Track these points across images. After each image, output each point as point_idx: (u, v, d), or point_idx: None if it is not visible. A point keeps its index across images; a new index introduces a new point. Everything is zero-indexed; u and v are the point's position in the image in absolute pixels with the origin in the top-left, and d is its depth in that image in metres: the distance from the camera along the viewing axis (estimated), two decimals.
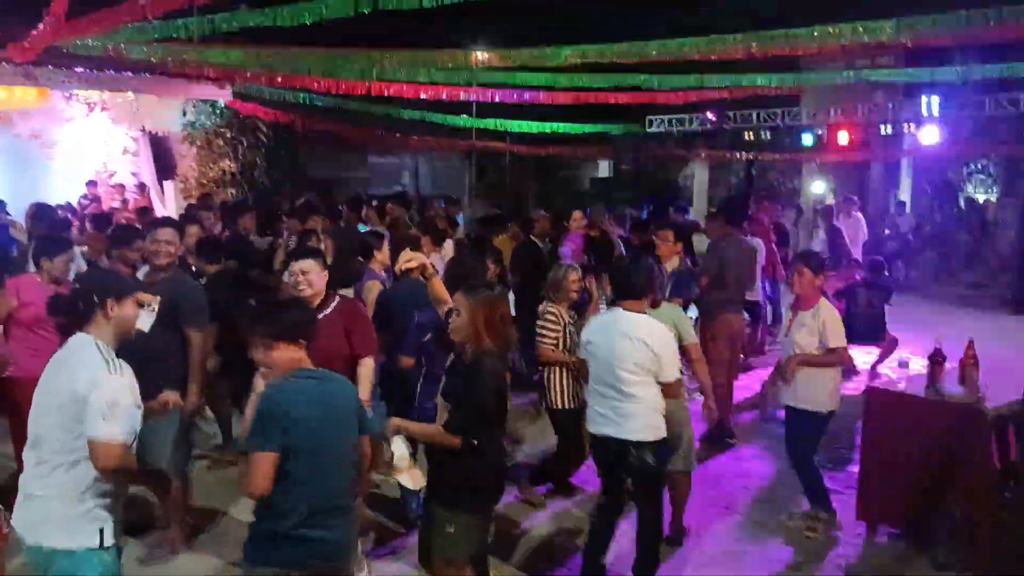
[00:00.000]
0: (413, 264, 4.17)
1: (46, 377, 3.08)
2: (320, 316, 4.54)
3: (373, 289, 5.78)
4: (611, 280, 4.72)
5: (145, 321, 4.66)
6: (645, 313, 4.40)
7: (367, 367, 4.64)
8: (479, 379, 3.52)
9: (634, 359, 4.19)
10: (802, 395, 5.18)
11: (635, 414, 4.22)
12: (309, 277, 4.52)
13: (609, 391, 4.28)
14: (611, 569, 4.57)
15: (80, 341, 3.08)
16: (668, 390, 4.28)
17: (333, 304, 4.65)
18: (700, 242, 8.99)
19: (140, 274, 5.11)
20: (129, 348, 4.10)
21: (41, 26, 8.96)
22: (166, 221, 5.57)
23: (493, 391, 3.53)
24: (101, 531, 3.05)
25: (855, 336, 8.25)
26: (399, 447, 3.70)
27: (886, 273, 9.93)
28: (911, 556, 4.99)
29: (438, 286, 4.09)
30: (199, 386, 4.76)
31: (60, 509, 2.98)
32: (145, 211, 11.37)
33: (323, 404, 3.11)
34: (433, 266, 4.27)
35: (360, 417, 3.33)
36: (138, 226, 7.33)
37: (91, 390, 2.91)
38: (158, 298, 4.24)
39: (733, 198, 8.65)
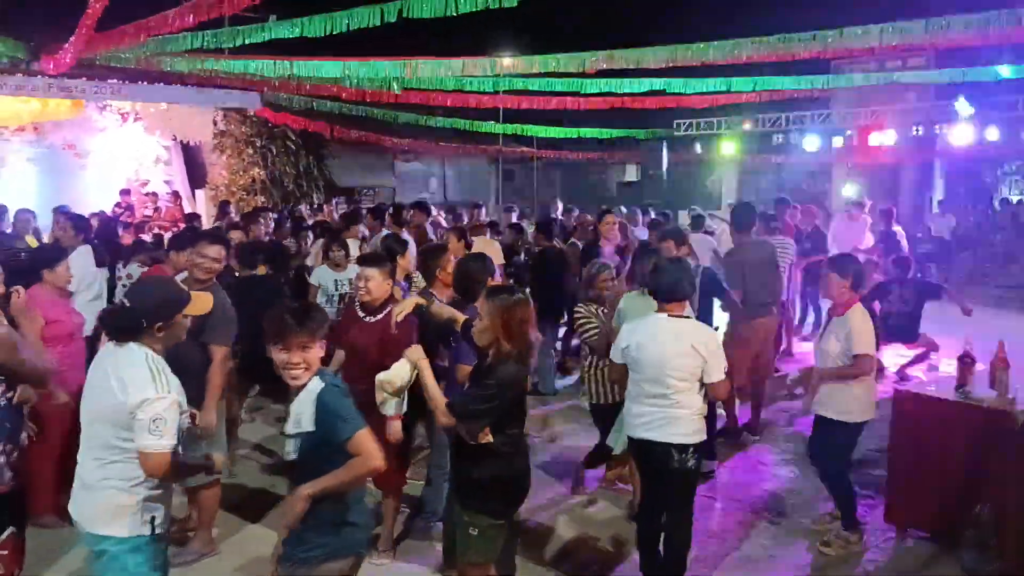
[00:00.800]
0: (408, 310, 4.32)
1: (96, 377, 3.15)
2: (365, 319, 4.81)
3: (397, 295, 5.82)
4: (653, 282, 4.62)
5: None
6: (689, 316, 4.40)
7: None
8: (492, 378, 3.54)
9: (686, 367, 4.18)
10: (831, 404, 5.05)
11: (681, 418, 4.22)
12: (370, 284, 4.76)
13: (654, 398, 4.26)
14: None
15: (131, 352, 3.14)
16: (714, 389, 4.28)
17: (384, 313, 4.76)
18: (700, 242, 8.94)
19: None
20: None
21: (73, 38, 9.16)
22: (216, 238, 5.47)
23: (506, 392, 3.52)
24: (152, 520, 3.17)
25: (888, 334, 8.22)
26: (400, 372, 3.75)
27: (919, 274, 9.86)
28: (939, 560, 4.93)
29: (438, 310, 4.22)
30: (215, 402, 4.69)
31: (114, 498, 3.11)
32: (193, 218, 11.49)
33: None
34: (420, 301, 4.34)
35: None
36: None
37: (139, 407, 3.00)
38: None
39: (741, 204, 8.57)
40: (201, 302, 3.48)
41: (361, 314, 4.89)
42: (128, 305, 3.24)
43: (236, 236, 7.39)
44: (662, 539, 4.46)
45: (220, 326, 4.71)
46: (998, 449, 4.68)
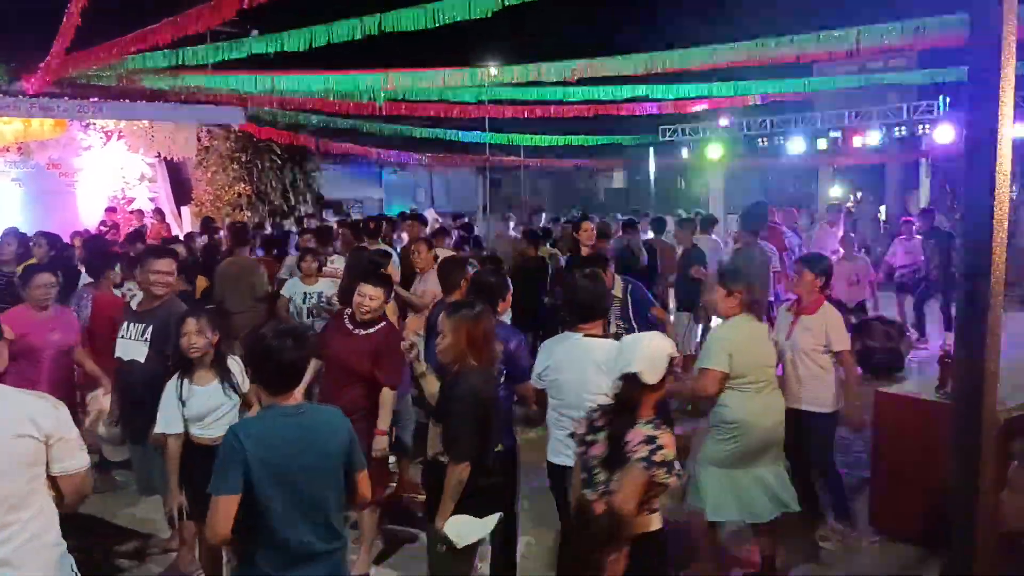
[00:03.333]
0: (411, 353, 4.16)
1: None
2: (355, 332, 4.81)
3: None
4: (567, 301, 4.34)
5: (140, 351, 4.77)
6: (602, 335, 4.08)
7: (386, 396, 4.74)
8: (458, 395, 3.53)
9: (602, 389, 3.59)
10: (810, 397, 5.04)
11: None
12: (372, 303, 4.76)
13: (572, 422, 3.81)
14: None
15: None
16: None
17: (376, 327, 4.81)
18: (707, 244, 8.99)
19: (133, 303, 5.12)
20: (127, 379, 4.11)
21: (48, 58, 9.16)
22: (164, 251, 5.49)
23: (473, 407, 3.51)
24: (72, 566, 2.92)
25: None
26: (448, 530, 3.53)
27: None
28: (924, 563, 4.93)
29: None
30: None
31: (43, 559, 2.79)
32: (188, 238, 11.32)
33: (296, 441, 2.88)
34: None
35: (350, 452, 3.02)
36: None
37: (56, 430, 2.73)
38: None
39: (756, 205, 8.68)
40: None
41: (350, 326, 4.89)
42: None
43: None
44: None
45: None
46: None
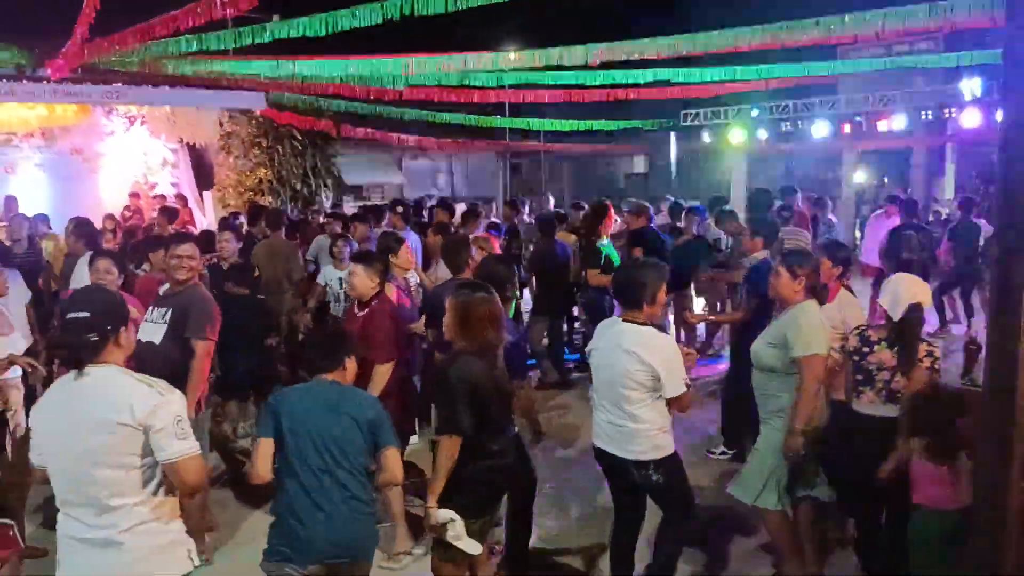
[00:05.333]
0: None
1: (64, 417, 2.80)
2: (358, 314, 5.07)
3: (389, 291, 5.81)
4: (613, 286, 4.49)
5: (156, 333, 4.80)
6: (646, 324, 4.08)
7: (376, 371, 4.86)
8: (445, 380, 3.57)
9: (636, 378, 3.94)
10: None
11: (635, 433, 4.00)
12: (354, 280, 5.09)
13: (610, 406, 4.08)
14: None
15: (106, 372, 2.83)
16: (675, 404, 4.02)
17: (367, 308, 5.05)
18: None
19: (161, 289, 5.17)
20: (140, 359, 4.17)
21: (68, 44, 9.21)
22: (186, 236, 5.57)
23: (463, 392, 3.50)
24: (188, 551, 2.97)
25: None
26: (443, 516, 3.60)
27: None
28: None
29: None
30: (195, 396, 4.66)
31: (152, 542, 2.85)
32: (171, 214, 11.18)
33: (317, 402, 3.45)
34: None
35: (377, 428, 3.45)
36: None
37: (153, 417, 2.75)
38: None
39: (758, 191, 8.50)
40: None
41: (356, 309, 5.18)
42: (86, 314, 2.83)
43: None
44: (655, 537, 4.36)
45: (198, 319, 4.79)
46: None
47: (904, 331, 4.26)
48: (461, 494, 3.58)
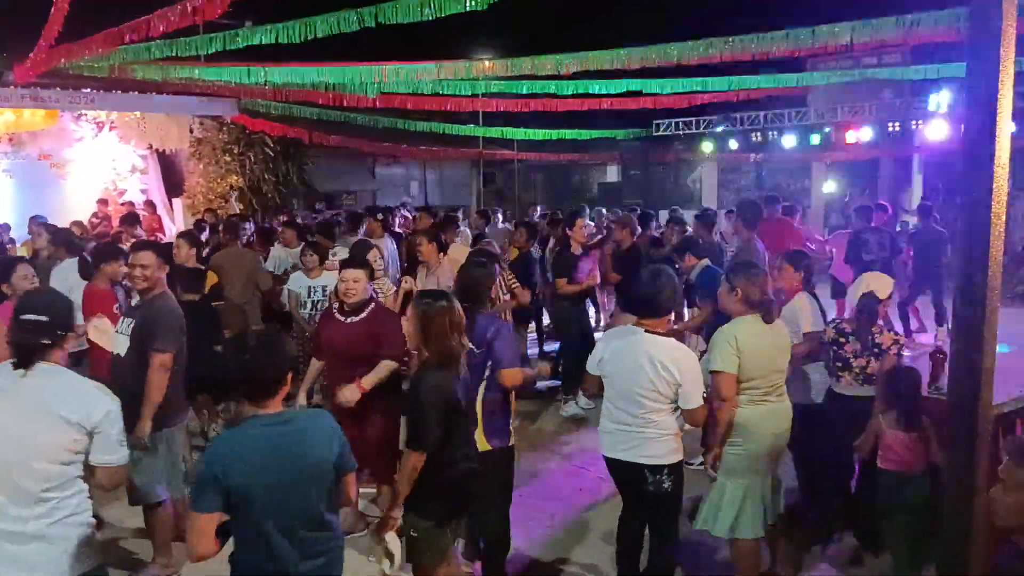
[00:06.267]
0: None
1: (6, 406, 2.85)
2: (347, 321, 5.09)
3: None
4: (628, 294, 4.57)
5: (120, 345, 4.74)
6: (666, 334, 4.12)
7: (383, 365, 4.94)
8: (415, 391, 3.57)
9: (657, 388, 3.98)
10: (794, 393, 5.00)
11: (652, 439, 4.04)
12: (357, 285, 5.07)
13: (626, 415, 4.10)
14: None
15: (56, 371, 2.93)
16: (690, 416, 4.05)
17: (366, 311, 5.08)
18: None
19: (133, 301, 5.16)
20: (112, 373, 4.14)
21: (35, 49, 9.10)
22: (144, 244, 5.39)
23: (432, 403, 3.50)
24: (95, 544, 3.06)
25: None
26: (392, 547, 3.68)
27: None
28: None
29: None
30: (150, 410, 4.51)
31: (74, 536, 2.91)
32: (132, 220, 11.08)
33: (282, 450, 2.80)
34: None
35: (341, 456, 2.97)
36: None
37: (104, 421, 2.87)
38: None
39: (748, 201, 8.49)
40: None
41: (341, 317, 5.14)
42: (44, 319, 2.91)
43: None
44: (648, 562, 4.37)
45: (157, 331, 4.63)
46: None
47: (859, 319, 4.97)
48: (426, 502, 3.58)
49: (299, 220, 12.17)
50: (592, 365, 4.29)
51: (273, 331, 3.13)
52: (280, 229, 10.17)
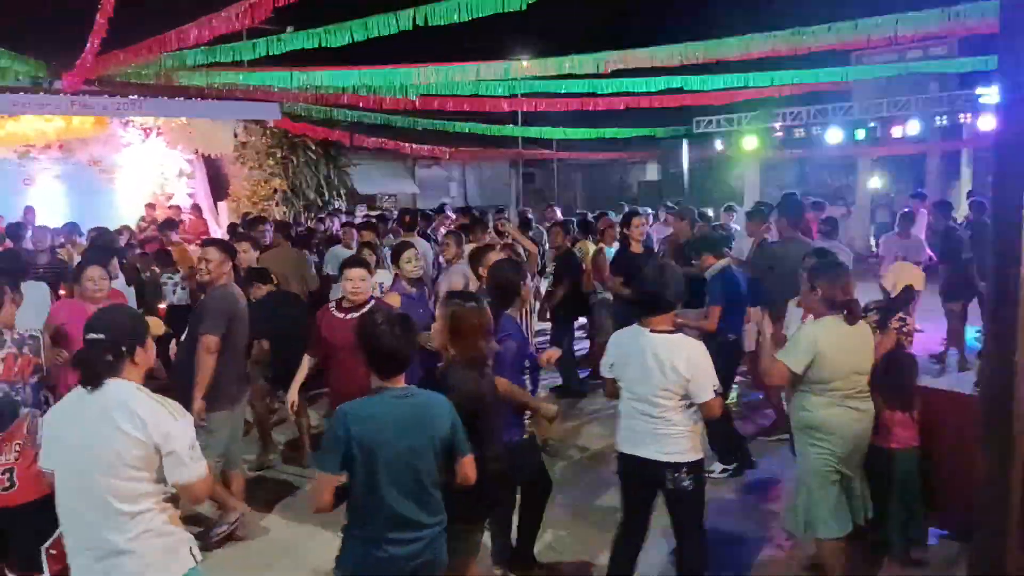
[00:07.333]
0: None
1: (78, 425, 2.89)
2: (347, 317, 5.12)
3: (393, 300, 5.82)
4: (633, 292, 4.50)
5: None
6: (672, 330, 4.05)
7: None
8: (440, 390, 3.50)
9: (668, 385, 3.93)
10: None
11: (670, 435, 3.98)
12: (364, 284, 5.25)
13: (641, 414, 4.04)
14: None
15: (122, 388, 2.92)
16: (705, 409, 3.98)
17: (366, 307, 5.12)
18: None
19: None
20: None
21: (82, 56, 9.33)
22: (211, 241, 5.94)
23: (456, 403, 3.43)
24: (191, 548, 3.06)
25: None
26: None
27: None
28: (964, 557, 4.86)
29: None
30: (200, 390, 4.90)
31: (156, 546, 2.93)
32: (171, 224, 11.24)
33: (405, 420, 3.12)
34: None
35: (454, 436, 3.23)
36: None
37: (166, 442, 2.85)
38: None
39: (790, 197, 8.29)
40: (155, 324, 3.54)
41: (340, 315, 5.23)
42: (102, 336, 2.95)
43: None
44: (679, 564, 4.31)
45: (206, 316, 5.07)
46: None
47: (895, 302, 5.26)
48: (452, 502, 3.59)
49: (357, 221, 12.34)
50: (605, 369, 4.29)
51: (402, 316, 3.38)
52: (341, 230, 10.38)
